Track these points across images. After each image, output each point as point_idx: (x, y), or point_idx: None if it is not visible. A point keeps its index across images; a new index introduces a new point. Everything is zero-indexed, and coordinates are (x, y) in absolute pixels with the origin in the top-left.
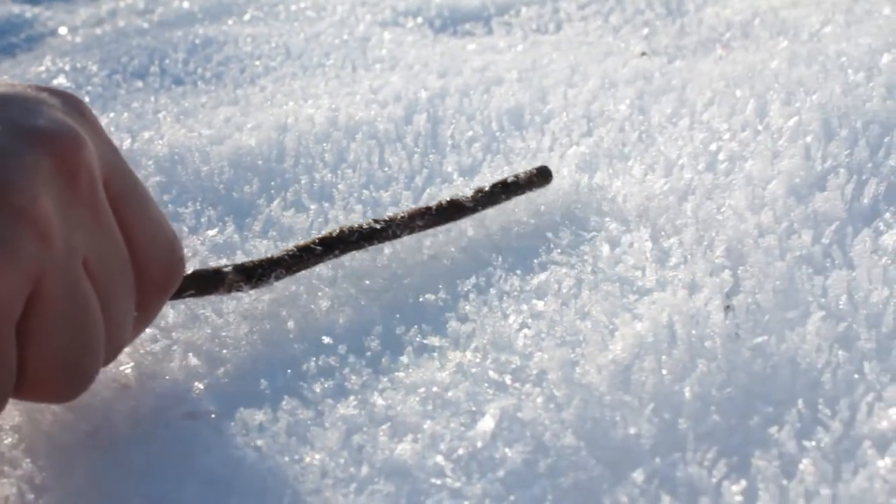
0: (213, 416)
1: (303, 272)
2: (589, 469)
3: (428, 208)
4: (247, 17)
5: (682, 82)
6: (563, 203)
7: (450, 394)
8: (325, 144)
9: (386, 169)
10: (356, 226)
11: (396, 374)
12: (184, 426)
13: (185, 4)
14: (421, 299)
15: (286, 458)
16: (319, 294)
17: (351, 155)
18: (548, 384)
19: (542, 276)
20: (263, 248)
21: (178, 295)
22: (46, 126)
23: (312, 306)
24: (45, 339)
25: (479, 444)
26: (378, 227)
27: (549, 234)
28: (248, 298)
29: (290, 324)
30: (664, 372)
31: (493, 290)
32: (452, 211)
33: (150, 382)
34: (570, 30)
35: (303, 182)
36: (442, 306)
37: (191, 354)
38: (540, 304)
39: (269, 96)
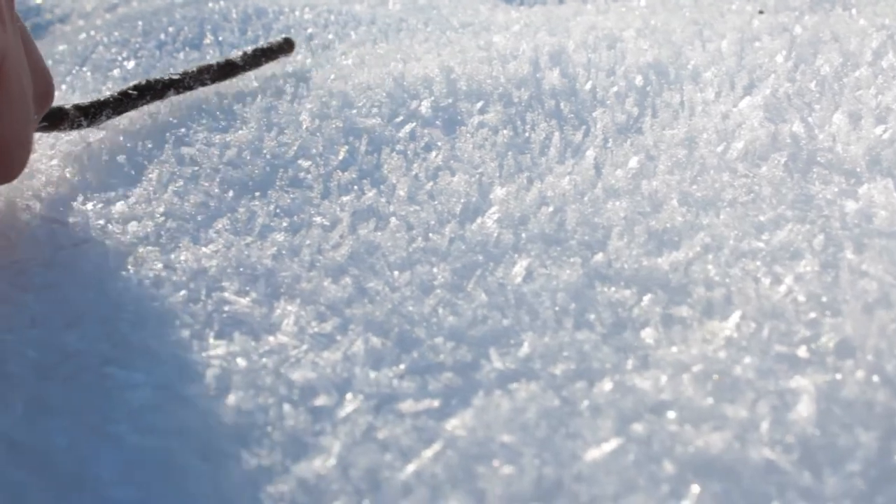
0: (430, 406)
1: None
2: None
3: (210, 66)
4: None
5: (832, 34)
6: (760, 155)
7: (736, 371)
8: (451, 101)
9: (536, 129)
10: (160, 77)
11: (649, 350)
12: (394, 421)
13: None
14: (645, 263)
15: (556, 455)
16: (514, 258)
17: (490, 113)
18: (862, 355)
19: (780, 235)
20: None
21: None
22: None
23: (516, 280)
24: (4, 114)
25: (810, 431)
26: (176, 77)
27: (768, 190)
28: (432, 270)
29: (483, 296)
30: None
31: (725, 251)
32: (228, 68)
33: (333, 368)
34: None
35: (442, 147)
36: (667, 270)
37: (370, 334)
38: (799, 265)
39: (359, 60)
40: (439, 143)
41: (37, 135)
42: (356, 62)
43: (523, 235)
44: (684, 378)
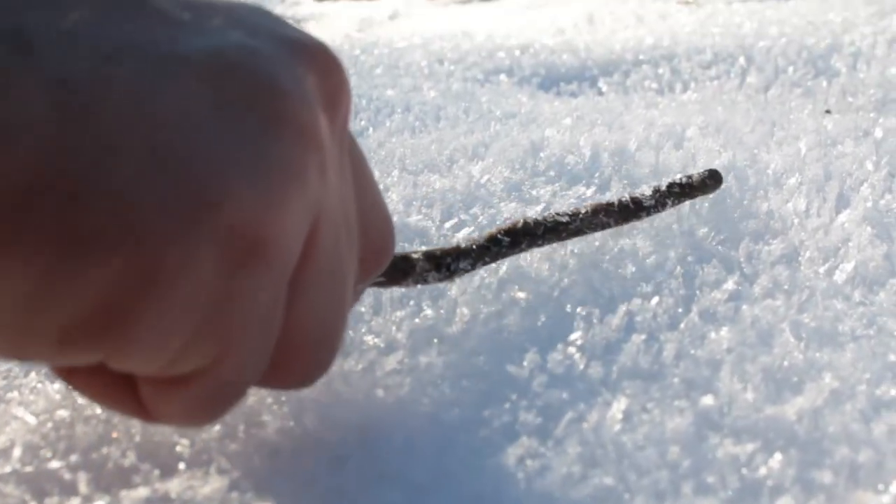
0: None
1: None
2: None
3: (610, 203)
4: None
5: None
6: (875, 279)
7: None
8: (512, 204)
9: (608, 239)
10: (541, 218)
11: None
12: None
13: None
14: (766, 411)
15: None
16: (608, 399)
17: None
18: None
19: None
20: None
21: None
22: (307, 39)
23: (615, 427)
24: (307, 299)
25: None
26: (563, 220)
27: (894, 323)
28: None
29: (577, 447)
30: None
31: (861, 399)
32: (635, 209)
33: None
34: (700, 92)
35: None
36: (793, 420)
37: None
38: None
39: (402, 152)
40: None
41: None
42: (394, 155)
43: (614, 368)
44: None
